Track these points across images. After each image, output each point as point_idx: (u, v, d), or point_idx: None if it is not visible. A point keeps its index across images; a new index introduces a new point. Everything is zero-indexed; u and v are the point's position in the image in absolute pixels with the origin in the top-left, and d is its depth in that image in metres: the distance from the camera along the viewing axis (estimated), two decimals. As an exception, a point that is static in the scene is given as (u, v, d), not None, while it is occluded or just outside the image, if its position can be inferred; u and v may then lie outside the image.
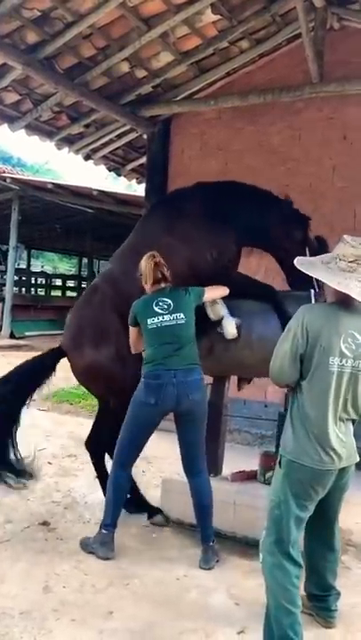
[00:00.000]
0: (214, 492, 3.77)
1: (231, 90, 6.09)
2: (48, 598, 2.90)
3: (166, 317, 3.43)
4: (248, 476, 3.99)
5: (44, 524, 3.80)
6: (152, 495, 4.28)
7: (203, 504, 3.49)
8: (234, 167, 6.17)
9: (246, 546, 3.58)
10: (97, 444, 4.12)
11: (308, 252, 3.75)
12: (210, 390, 4.07)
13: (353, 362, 2.48)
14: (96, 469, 4.12)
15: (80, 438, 5.81)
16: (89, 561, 3.32)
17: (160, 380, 3.38)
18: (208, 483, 3.54)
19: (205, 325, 3.75)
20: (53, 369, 4.00)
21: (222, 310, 3.70)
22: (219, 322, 3.71)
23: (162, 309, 3.44)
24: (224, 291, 3.71)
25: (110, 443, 3.74)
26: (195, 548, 3.53)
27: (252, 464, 4.13)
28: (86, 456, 5.24)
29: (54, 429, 6.23)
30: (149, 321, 3.44)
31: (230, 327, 3.65)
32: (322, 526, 2.76)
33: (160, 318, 3.43)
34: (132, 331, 3.58)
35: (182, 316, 3.44)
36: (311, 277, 3.18)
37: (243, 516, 3.67)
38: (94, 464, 4.13)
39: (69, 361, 3.97)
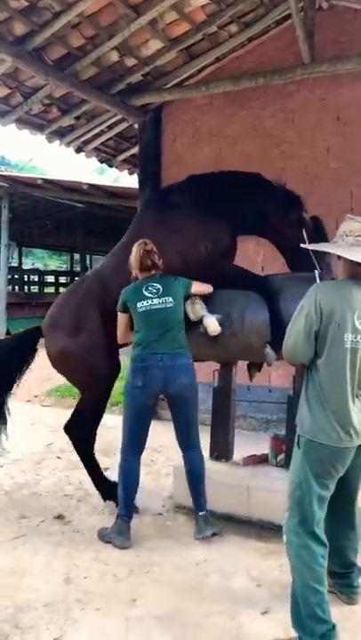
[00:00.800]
0: (227, 477, 3.82)
1: (222, 75, 6.02)
2: (70, 589, 2.91)
3: (155, 301, 3.51)
4: (260, 460, 4.00)
5: (59, 517, 3.81)
6: (163, 484, 4.30)
7: (195, 475, 3.59)
8: (228, 153, 6.14)
9: (262, 529, 3.60)
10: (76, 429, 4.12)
11: (304, 233, 3.76)
12: (217, 377, 4.08)
13: None
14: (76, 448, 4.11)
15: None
16: (107, 551, 3.33)
17: (146, 363, 3.47)
18: (201, 456, 3.64)
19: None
20: (35, 346, 4.10)
21: (202, 310, 3.73)
22: (200, 322, 3.72)
23: (151, 293, 3.52)
24: (208, 288, 3.76)
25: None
26: (211, 533, 3.55)
27: (260, 448, 4.15)
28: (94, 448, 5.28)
29: (59, 424, 6.17)
30: (139, 304, 3.52)
31: (212, 324, 3.67)
32: (341, 504, 2.76)
33: (149, 302, 3.51)
34: (121, 317, 3.64)
35: (171, 300, 3.51)
36: (312, 260, 3.23)
37: (257, 500, 3.68)
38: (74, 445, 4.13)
39: (45, 344, 4.06)
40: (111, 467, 4.58)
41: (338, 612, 2.72)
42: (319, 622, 2.38)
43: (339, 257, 2.63)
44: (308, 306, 2.54)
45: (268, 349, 3.62)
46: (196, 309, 3.72)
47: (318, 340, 2.54)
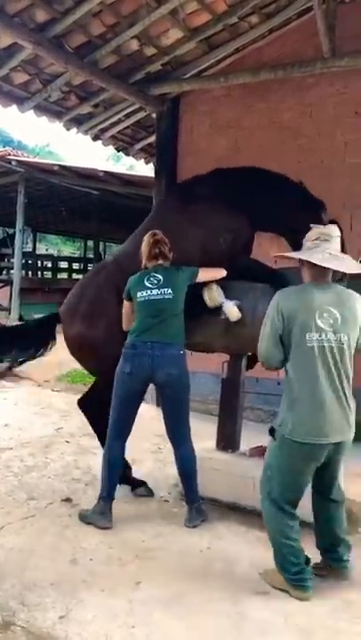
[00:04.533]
0: (234, 468, 3.87)
1: (241, 66, 6.02)
2: (76, 570, 2.98)
3: (154, 292, 3.57)
4: (266, 451, 4.03)
5: (67, 500, 3.88)
6: (170, 471, 4.35)
7: (187, 472, 3.66)
8: (244, 145, 6.14)
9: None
10: (89, 404, 4.23)
11: None
12: (226, 368, 4.12)
13: (334, 336, 2.67)
14: (91, 425, 4.25)
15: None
16: (113, 536, 3.39)
17: (135, 350, 3.54)
18: (191, 452, 3.67)
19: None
20: (53, 331, 4.23)
21: (219, 297, 3.76)
22: (219, 308, 3.77)
23: (152, 284, 3.59)
24: (220, 273, 3.77)
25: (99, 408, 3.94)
26: (216, 522, 3.62)
27: (267, 440, 4.17)
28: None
29: (70, 409, 6.27)
30: (139, 294, 3.60)
31: (233, 310, 3.71)
32: (324, 486, 2.94)
33: (149, 292, 3.58)
34: (126, 305, 3.73)
35: (170, 291, 3.57)
36: None
37: (262, 490, 3.73)
38: (88, 420, 4.26)
39: (63, 329, 4.14)
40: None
41: (339, 601, 2.79)
42: (292, 565, 2.79)
43: (301, 263, 2.86)
44: (271, 312, 2.79)
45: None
46: (213, 296, 3.75)
47: (285, 346, 2.75)
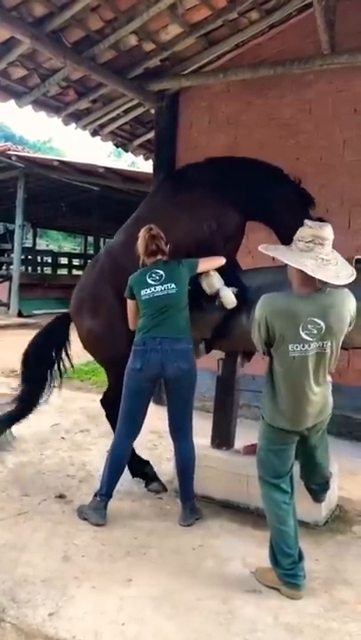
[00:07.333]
0: (228, 465, 3.85)
1: (241, 62, 5.99)
2: (68, 567, 2.98)
3: (158, 288, 3.56)
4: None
5: (61, 496, 3.87)
6: (165, 468, 4.35)
7: (185, 467, 3.65)
8: (243, 141, 6.12)
9: (259, 517, 3.63)
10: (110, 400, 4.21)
11: None
12: (221, 365, 4.11)
13: (317, 344, 2.71)
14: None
15: (92, 414, 5.90)
16: (106, 532, 3.39)
17: (145, 347, 3.53)
18: (192, 448, 3.66)
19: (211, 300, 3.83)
20: (67, 331, 4.26)
21: (217, 283, 3.74)
22: (216, 295, 3.76)
23: (154, 280, 3.57)
24: (219, 261, 3.76)
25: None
26: (209, 520, 3.61)
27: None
28: (98, 430, 5.35)
29: (66, 405, 6.28)
30: (143, 292, 3.58)
31: (229, 296, 3.70)
32: (310, 464, 3.20)
33: (152, 289, 3.56)
34: (130, 303, 3.69)
35: (173, 286, 3.55)
36: None
37: (256, 488, 3.69)
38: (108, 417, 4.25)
39: (75, 327, 4.19)
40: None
41: (330, 600, 2.78)
42: (286, 556, 2.84)
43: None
44: (258, 320, 2.83)
45: (202, 345, 3.89)
46: (211, 282, 3.74)
47: (272, 348, 2.83)
